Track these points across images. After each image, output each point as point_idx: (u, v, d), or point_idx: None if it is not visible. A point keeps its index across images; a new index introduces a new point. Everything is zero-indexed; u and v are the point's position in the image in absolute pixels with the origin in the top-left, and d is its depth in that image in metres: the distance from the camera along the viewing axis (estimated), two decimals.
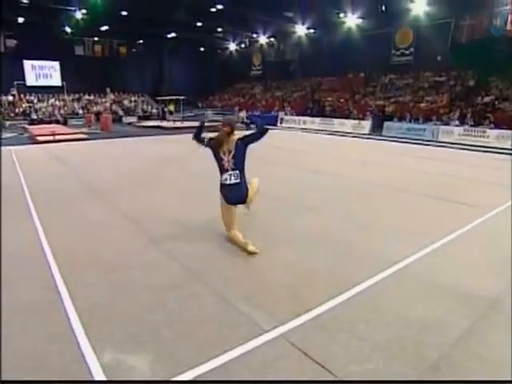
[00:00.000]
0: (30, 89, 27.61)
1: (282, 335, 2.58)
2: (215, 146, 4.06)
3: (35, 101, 27.07)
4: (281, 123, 24.45)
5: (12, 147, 12.88)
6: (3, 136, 17.12)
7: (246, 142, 4.04)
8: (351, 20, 23.72)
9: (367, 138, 17.60)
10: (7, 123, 23.15)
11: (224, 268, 3.65)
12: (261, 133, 4.06)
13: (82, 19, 23.64)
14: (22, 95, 26.73)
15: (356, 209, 5.74)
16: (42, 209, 5.59)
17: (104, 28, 27.34)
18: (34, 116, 25.01)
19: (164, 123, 23.84)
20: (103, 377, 2.16)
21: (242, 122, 20.09)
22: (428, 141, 15.98)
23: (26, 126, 21.81)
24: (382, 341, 2.55)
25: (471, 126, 16.05)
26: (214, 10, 23.51)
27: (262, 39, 30.65)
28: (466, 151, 13.42)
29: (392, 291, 3.23)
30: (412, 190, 6.91)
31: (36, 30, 25.19)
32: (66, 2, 21.27)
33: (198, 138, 4.29)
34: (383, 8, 21.20)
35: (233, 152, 3.99)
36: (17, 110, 25.45)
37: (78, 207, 5.75)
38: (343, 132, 20.00)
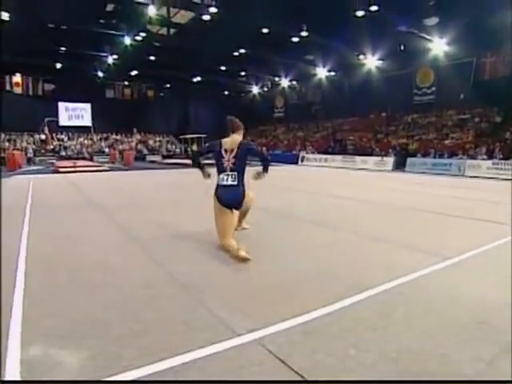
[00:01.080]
0: (61, 128, 29.09)
1: (256, 340, 2.05)
2: (217, 144, 3.88)
3: (65, 139, 28.41)
4: (302, 161, 24.31)
5: (32, 175, 13.29)
6: (31, 168, 17.97)
7: (250, 149, 3.90)
8: (371, 61, 24.08)
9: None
10: (37, 159, 24.29)
11: (208, 272, 3.17)
12: (264, 160, 4.10)
13: (114, 64, 25.20)
14: (54, 134, 28.16)
15: (372, 225, 5.17)
16: (36, 219, 5.38)
17: (133, 72, 29.00)
18: (62, 153, 26.15)
19: (186, 161, 24.18)
20: (17, 370, 1.71)
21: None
22: (455, 175, 15.20)
23: (54, 161, 22.78)
24: (391, 351, 1.96)
25: (500, 159, 15.22)
26: (237, 54, 24.49)
27: (284, 82, 31.49)
28: (495, 181, 12.60)
29: (406, 300, 2.63)
30: (439, 210, 6.26)
31: (71, 75, 26.95)
32: (99, 48, 22.80)
33: (197, 164, 4.22)
34: (402, 48, 21.37)
35: (235, 151, 3.79)
36: (48, 147, 26.70)
37: (73, 218, 5.51)
38: (366, 169, 19.53)
